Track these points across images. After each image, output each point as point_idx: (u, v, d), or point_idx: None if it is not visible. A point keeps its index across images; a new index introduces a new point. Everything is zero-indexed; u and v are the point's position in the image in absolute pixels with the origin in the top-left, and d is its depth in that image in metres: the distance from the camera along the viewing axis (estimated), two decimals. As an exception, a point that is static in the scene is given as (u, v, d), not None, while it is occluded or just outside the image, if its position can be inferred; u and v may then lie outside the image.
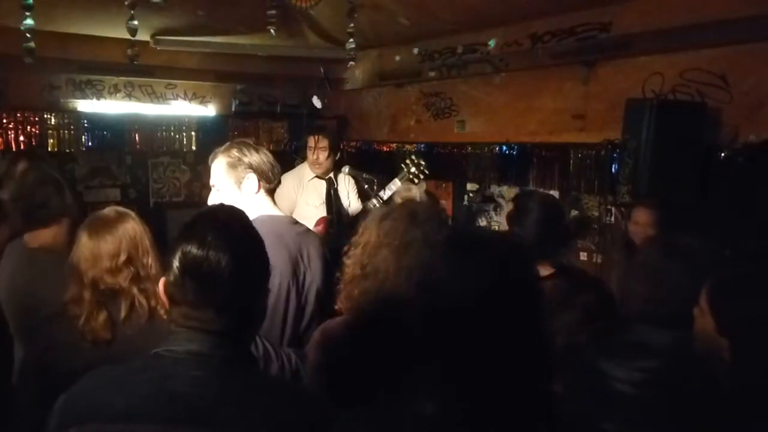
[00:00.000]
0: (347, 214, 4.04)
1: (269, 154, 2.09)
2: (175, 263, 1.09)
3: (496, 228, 4.42)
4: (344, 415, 1.12)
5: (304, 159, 4.11)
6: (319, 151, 3.88)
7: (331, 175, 4.01)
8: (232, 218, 1.20)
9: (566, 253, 2.30)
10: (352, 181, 4.20)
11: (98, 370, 1.16)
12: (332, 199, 4.01)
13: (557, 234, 2.17)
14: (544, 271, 2.08)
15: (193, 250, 1.08)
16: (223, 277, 1.07)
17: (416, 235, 1.49)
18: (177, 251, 1.10)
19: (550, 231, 2.12)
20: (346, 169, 3.88)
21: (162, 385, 1.05)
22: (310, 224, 3.79)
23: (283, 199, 3.98)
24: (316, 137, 3.92)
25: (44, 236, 2.25)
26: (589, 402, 1.50)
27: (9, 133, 4.17)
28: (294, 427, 1.08)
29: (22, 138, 4.22)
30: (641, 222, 2.80)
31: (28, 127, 4.25)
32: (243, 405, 1.05)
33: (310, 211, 3.97)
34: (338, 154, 4.04)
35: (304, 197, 4.00)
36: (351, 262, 1.58)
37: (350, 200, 4.13)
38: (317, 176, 4.00)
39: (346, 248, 1.63)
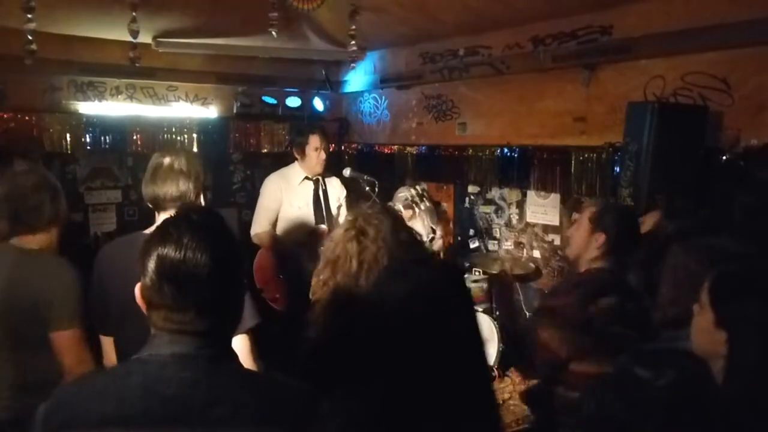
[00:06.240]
0: (336, 217, 4.02)
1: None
2: (151, 267, 1.08)
3: (498, 230, 4.43)
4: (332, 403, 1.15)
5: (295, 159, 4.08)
6: (323, 150, 3.94)
7: (319, 176, 4.03)
8: (206, 219, 1.18)
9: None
10: (344, 189, 4.17)
11: (78, 378, 1.14)
12: (320, 200, 4.01)
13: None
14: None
15: (170, 253, 1.06)
16: (202, 279, 1.07)
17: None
18: (152, 254, 1.08)
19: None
20: (347, 171, 3.86)
21: (151, 389, 1.04)
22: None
23: (270, 201, 3.99)
24: (320, 137, 3.95)
25: (29, 242, 2.13)
26: (622, 404, 1.52)
27: (10, 134, 4.17)
28: (284, 417, 1.08)
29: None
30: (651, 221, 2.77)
31: (30, 129, 4.25)
32: (233, 401, 1.06)
33: (295, 212, 3.96)
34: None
35: (289, 199, 3.99)
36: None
37: (342, 204, 4.12)
38: (307, 177, 4.00)
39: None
